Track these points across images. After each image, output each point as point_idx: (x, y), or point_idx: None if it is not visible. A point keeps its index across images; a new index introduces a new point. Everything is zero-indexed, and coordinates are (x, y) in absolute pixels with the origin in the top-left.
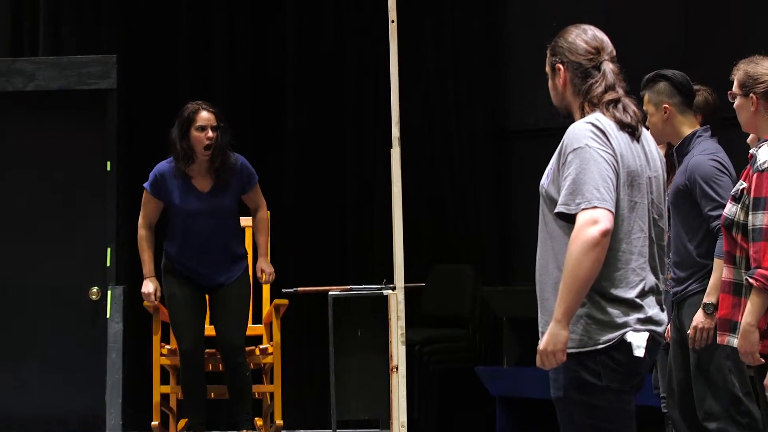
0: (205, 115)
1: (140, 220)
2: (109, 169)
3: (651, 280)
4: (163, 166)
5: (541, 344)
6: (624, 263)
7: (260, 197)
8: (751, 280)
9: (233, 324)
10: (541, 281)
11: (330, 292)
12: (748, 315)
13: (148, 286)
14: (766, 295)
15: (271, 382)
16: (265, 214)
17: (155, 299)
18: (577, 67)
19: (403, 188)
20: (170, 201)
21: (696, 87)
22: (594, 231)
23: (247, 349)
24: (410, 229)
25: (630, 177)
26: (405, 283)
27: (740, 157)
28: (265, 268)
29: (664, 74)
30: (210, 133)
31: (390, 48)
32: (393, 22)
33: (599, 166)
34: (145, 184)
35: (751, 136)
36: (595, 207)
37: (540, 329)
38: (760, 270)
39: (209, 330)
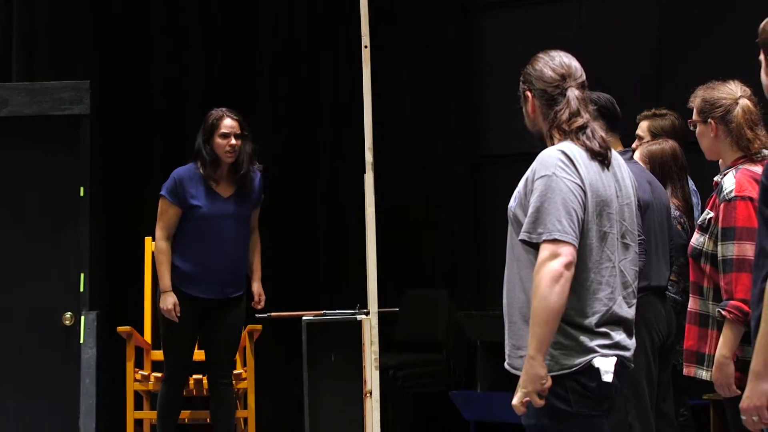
0: (228, 123)
1: (158, 232)
2: (82, 194)
3: (618, 309)
4: (181, 171)
5: (521, 384)
6: (592, 293)
7: (257, 219)
8: (724, 312)
9: (226, 351)
10: (508, 305)
11: (304, 317)
12: (722, 347)
13: (168, 301)
14: (740, 326)
15: (245, 407)
16: (258, 236)
17: (176, 315)
18: (543, 95)
19: (377, 213)
20: (191, 205)
21: (663, 111)
22: (556, 265)
23: None
24: (384, 254)
25: (599, 207)
26: (379, 307)
27: (709, 183)
28: (262, 293)
29: (590, 97)
30: (233, 141)
31: (363, 73)
32: (366, 47)
33: (564, 196)
34: (163, 192)
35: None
36: (556, 239)
37: (507, 353)
38: (732, 302)
39: (198, 354)
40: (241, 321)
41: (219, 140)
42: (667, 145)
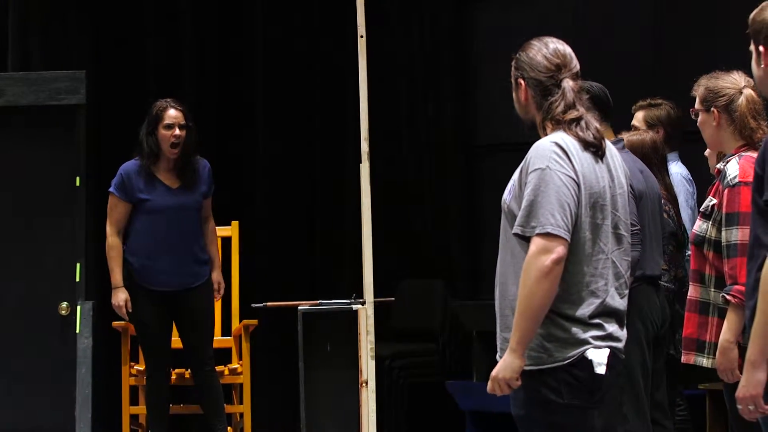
0: (172, 114)
1: (109, 228)
2: (78, 184)
3: (611, 300)
4: (128, 165)
5: (495, 371)
6: (585, 285)
7: (210, 208)
8: (728, 297)
9: (202, 337)
10: (500, 297)
11: (300, 307)
12: (726, 332)
13: (119, 297)
14: (743, 311)
15: (241, 402)
16: (213, 225)
17: (125, 312)
18: (537, 84)
19: (372, 203)
20: (138, 199)
21: (658, 101)
22: (546, 260)
23: (217, 368)
24: (380, 244)
25: (593, 198)
26: (374, 297)
27: (704, 171)
28: (221, 281)
29: (582, 86)
30: (177, 131)
31: (359, 63)
32: (362, 37)
33: (558, 190)
34: (111, 189)
35: (708, 149)
36: (548, 234)
37: (498, 345)
38: (736, 286)
39: (176, 343)
40: (211, 307)
41: (163, 131)
42: (647, 136)
